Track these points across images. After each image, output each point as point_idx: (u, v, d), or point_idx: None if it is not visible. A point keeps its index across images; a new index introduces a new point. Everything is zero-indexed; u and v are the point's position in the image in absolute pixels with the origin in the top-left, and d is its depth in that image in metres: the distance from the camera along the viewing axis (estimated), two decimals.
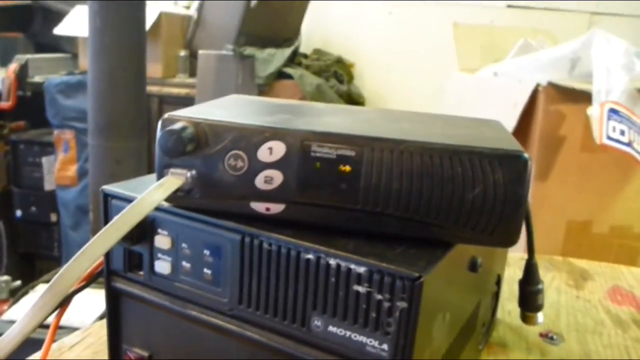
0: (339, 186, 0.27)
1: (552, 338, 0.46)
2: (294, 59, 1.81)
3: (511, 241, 0.26)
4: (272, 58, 1.65)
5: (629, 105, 0.75)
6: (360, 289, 0.25)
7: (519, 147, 0.27)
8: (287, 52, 1.70)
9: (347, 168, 0.27)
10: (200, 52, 1.64)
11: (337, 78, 1.85)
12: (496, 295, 0.44)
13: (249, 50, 1.61)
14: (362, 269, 0.25)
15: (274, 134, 0.27)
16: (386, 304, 0.25)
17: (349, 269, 0.26)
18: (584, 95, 0.82)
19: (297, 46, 1.87)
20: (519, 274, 0.41)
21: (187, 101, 1.60)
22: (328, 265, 0.26)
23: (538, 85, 0.88)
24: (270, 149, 0.27)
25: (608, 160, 0.88)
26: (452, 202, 0.26)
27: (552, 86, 0.87)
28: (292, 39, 1.89)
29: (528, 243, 0.41)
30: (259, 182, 0.27)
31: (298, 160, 0.27)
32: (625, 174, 0.89)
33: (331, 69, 1.85)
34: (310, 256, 0.26)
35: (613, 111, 0.72)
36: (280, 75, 1.67)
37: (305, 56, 1.94)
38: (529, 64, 0.95)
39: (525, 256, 0.40)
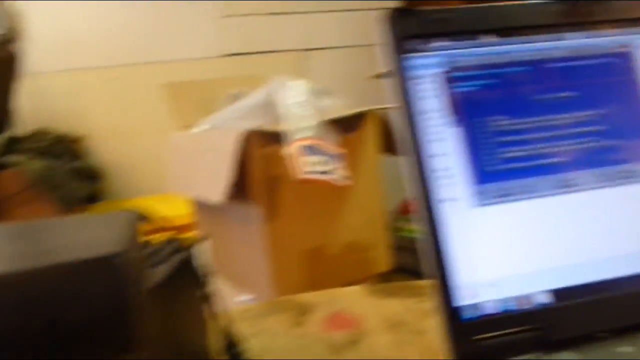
0: None
1: None
2: (13, 145, 1.65)
3: (127, 348, 0.25)
4: None
5: (320, 137, 0.81)
6: None
7: (115, 250, 0.25)
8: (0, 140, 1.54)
9: None
10: None
11: (65, 157, 1.73)
12: None
13: None
14: None
15: None
16: None
17: None
18: (285, 135, 0.87)
19: (13, 131, 1.71)
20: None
21: None
22: None
23: (246, 132, 0.92)
24: None
25: (324, 189, 0.94)
26: (54, 323, 0.24)
27: (258, 131, 0.91)
28: (4, 124, 1.72)
29: (217, 308, 0.41)
30: None
31: None
32: (340, 195, 0.97)
33: (55, 148, 1.73)
34: None
35: (306, 147, 0.78)
36: None
37: (25, 139, 1.78)
38: (236, 112, 0.99)
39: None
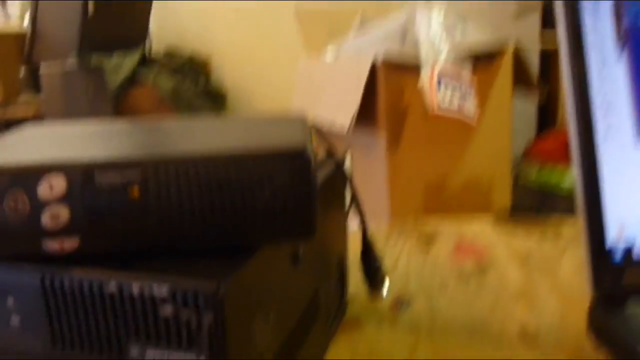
0: (130, 211, 0.26)
1: (402, 305, 0.48)
2: (146, 62, 1.75)
3: (308, 233, 0.28)
4: (121, 64, 1.59)
5: (456, 71, 0.80)
6: (166, 311, 0.25)
7: (303, 145, 0.27)
8: (136, 56, 1.64)
9: (135, 192, 0.26)
10: (42, 66, 1.54)
11: (193, 76, 1.82)
12: (342, 277, 0.46)
13: (95, 60, 1.54)
14: (163, 291, 0.25)
15: (52, 167, 0.26)
16: (194, 321, 0.25)
17: (152, 294, 0.25)
18: (417, 66, 0.86)
19: (147, 48, 1.81)
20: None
21: (37, 121, 1.50)
22: (131, 293, 0.25)
23: (375, 59, 0.91)
24: (51, 184, 0.26)
25: (451, 123, 0.93)
26: (242, 209, 0.26)
27: (388, 60, 0.90)
28: (140, 41, 1.82)
29: (361, 223, 0.43)
30: (46, 220, 0.26)
31: (82, 191, 0.26)
32: (467, 132, 0.95)
33: (185, 68, 1.81)
34: (112, 288, 0.26)
35: (441, 80, 0.77)
36: (133, 80, 1.62)
37: (158, 57, 1.88)
38: (366, 40, 0.98)
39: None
